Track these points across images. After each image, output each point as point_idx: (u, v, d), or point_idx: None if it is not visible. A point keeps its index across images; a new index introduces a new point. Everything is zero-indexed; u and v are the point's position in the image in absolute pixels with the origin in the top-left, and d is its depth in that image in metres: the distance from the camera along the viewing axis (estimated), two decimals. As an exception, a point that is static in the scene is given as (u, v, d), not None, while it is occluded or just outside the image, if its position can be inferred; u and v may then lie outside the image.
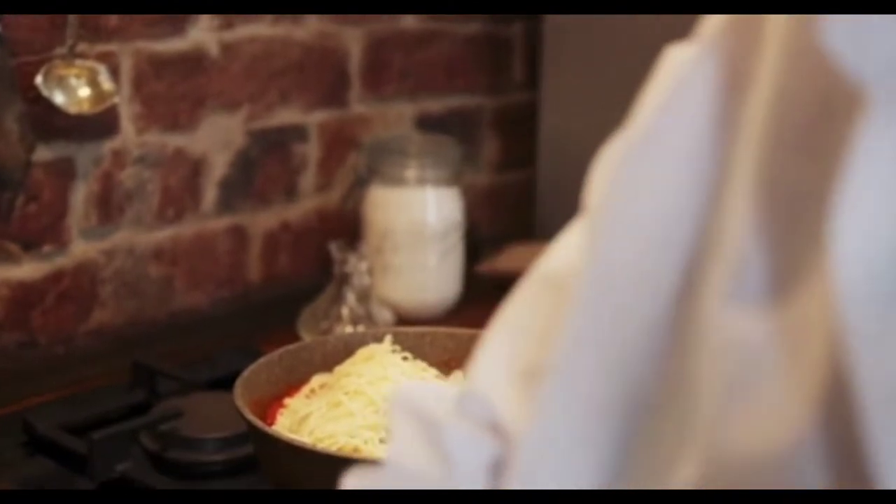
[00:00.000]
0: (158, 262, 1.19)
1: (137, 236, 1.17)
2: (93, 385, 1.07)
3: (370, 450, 0.79)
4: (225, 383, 0.94)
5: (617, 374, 0.46)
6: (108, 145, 1.13)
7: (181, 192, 1.20)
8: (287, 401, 0.89)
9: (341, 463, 0.76)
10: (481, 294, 1.33)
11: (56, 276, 1.12)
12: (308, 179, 1.31)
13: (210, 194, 1.23)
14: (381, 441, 0.80)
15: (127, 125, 1.14)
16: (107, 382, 1.07)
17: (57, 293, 1.12)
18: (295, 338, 1.13)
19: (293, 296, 1.25)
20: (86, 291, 1.14)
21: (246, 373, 0.86)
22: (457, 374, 0.91)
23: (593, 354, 0.46)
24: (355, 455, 0.78)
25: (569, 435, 0.47)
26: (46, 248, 1.10)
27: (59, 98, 1.03)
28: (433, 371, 0.91)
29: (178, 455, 0.94)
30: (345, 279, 1.17)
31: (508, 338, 0.52)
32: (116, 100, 1.07)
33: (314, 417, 0.82)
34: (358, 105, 1.34)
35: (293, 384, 0.90)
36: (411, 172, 1.25)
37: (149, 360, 1.07)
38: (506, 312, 0.53)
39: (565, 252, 0.52)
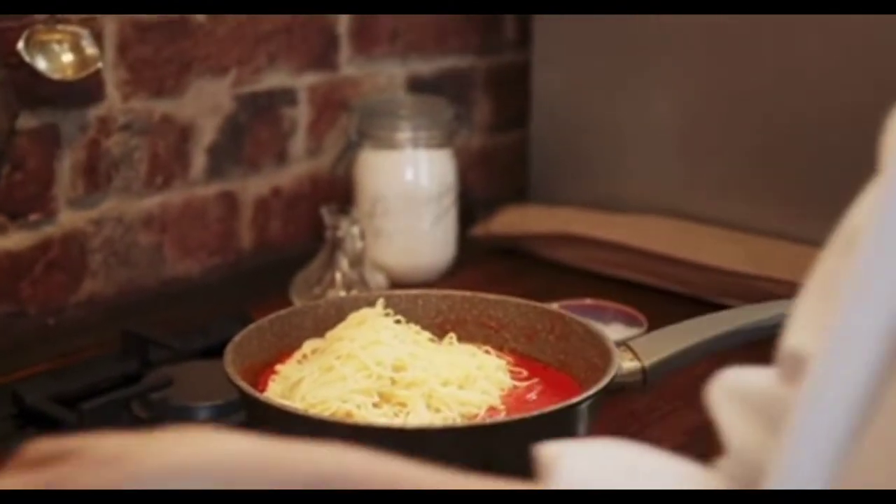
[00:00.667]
0: (148, 231, 1.18)
1: (126, 204, 1.16)
2: (84, 356, 1.06)
3: (363, 414, 0.78)
4: (217, 351, 0.92)
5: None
6: (94, 112, 1.11)
7: (169, 159, 1.18)
8: (279, 367, 0.88)
9: (334, 428, 0.75)
10: (476, 257, 1.32)
11: (44, 246, 1.10)
12: (298, 144, 1.30)
13: (199, 161, 1.21)
14: (375, 405, 0.79)
15: (112, 91, 1.12)
16: (98, 353, 1.06)
17: (45, 263, 1.10)
18: (288, 304, 1.11)
19: (286, 262, 1.23)
20: (75, 261, 1.13)
21: (236, 339, 0.85)
22: (451, 337, 0.90)
23: (872, 308, 0.50)
24: (348, 420, 0.77)
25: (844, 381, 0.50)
26: (33, 218, 1.09)
27: (41, 64, 1.01)
28: (426, 334, 0.89)
29: (170, 424, 0.93)
30: (337, 244, 1.16)
31: (817, 295, 0.55)
32: (100, 65, 1.05)
33: (306, 383, 0.81)
34: (348, 67, 1.32)
35: (285, 350, 0.89)
36: (403, 135, 1.23)
37: (140, 330, 1.05)
38: (815, 270, 0.56)
39: (864, 209, 0.55)
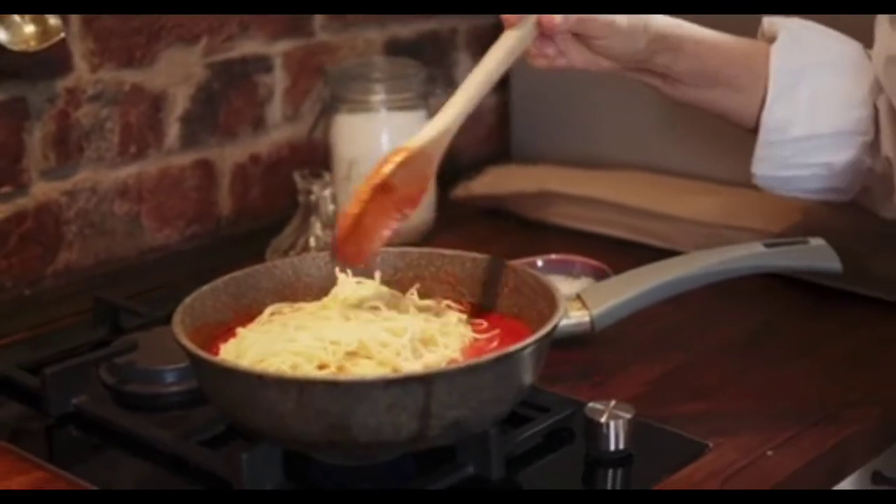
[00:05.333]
0: (123, 200, 1.19)
1: (99, 175, 1.16)
2: (60, 325, 1.07)
3: (306, 370, 0.77)
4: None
5: None
6: (62, 83, 1.12)
7: (143, 129, 1.19)
8: (239, 329, 0.88)
9: (272, 383, 0.75)
10: (457, 219, 1.32)
11: (18, 218, 1.11)
12: (275, 110, 1.30)
13: (173, 130, 1.21)
14: (320, 367, 0.78)
15: (80, 62, 1.13)
16: (74, 322, 1.07)
17: (20, 235, 1.11)
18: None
19: (266, 229, 1.23)
20: (50, 232, 1.14)
21: (187, 301, 0.85)
22: (412, 290, 0.90)
23: None
24: (285, 374, 0.76)
25: None
26: (5, 190, 1.10)
27: (2, 36, 1.02)
28: (385, 289, 0.89)
29: (135, 387, 0.94)
30: (310, 208, 1.16)
31: None
32: (62, 35, 1.05)
33: (255, 343, 0.81)
34: (322, 33, 1.32)
35: (242, 312, 0.89)
36: (376, 98, 1.23)
37: (112, 297, 1.06)
38: None
39: None
